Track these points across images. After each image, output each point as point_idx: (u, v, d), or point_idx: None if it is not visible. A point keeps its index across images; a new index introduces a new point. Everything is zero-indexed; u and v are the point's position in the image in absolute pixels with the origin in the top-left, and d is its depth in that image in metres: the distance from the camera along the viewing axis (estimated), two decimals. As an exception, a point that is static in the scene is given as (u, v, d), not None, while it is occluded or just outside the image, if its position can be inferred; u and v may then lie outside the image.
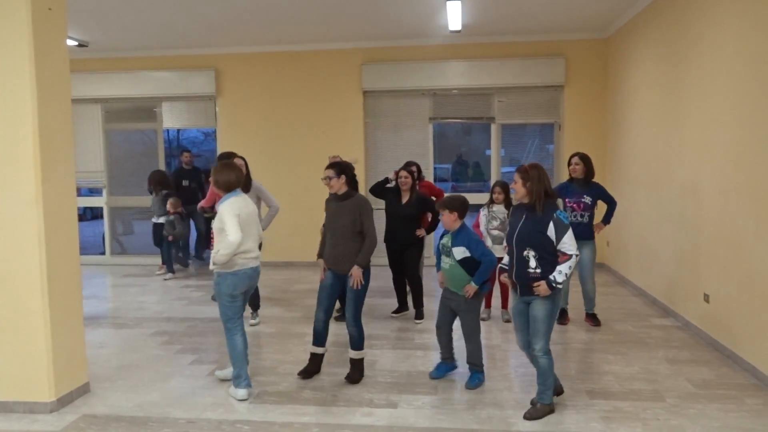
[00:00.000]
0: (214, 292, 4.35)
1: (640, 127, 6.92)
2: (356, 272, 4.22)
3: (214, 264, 3.97)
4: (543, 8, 7.08)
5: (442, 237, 4.32)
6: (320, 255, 4.50)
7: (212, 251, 4.04)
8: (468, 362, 4.30)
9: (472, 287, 4.11)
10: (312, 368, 4.44)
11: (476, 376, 4.25)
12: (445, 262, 4.22)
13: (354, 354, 4.36)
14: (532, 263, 3.60)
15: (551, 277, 3.56)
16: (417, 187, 6.11)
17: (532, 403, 3.79)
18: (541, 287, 3.57)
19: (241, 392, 4.04)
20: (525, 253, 3.61)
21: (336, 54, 8.84)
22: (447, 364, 4.43)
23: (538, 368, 3.73)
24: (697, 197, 5.27)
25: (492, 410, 3.82)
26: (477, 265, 4.12)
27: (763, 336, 4.20)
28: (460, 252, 4.12)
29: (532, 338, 3.70)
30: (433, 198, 6.16)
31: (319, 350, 4.44)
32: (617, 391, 4.08)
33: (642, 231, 6.86)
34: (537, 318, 3.65)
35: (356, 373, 4.34)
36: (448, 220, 4.17)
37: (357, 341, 4.33)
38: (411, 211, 5.84)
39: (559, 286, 3.57)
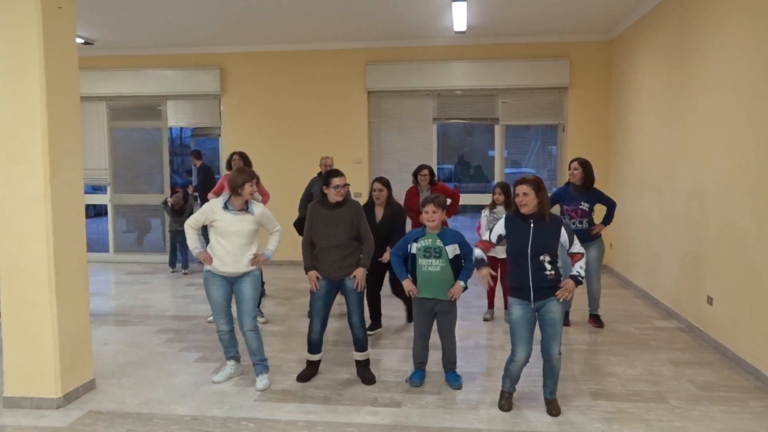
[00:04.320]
0: (256, 288, 4.31)
1: (644, 129, 6.93)
2: (361, 274, 4.22)
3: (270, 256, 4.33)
4: (548, 10, 7.10)
5: (415, 241, 4.11)
6: (311, 267, 4.25)
7: (270, 248, 4.35)
8: (449, 362, 4.28)
9: (460, 287, 4.05)
10: (309, 372, 4.41)
11: (456, 374, 4.28)
12: (434, 265, 4.05)
13: (360, 356, 4.37)
14: (548, 267, 3.64)
15: (575, 273, 3.68)
16: (430, 190, 6.07)
17: (549, 401, 3.81)
18: (569, 284, 3.64)
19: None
20: (541, 258, 3.64)
21: (341, 54, 8.86)
22: (423, 370, 4.35)
23: (553, 368, 3.75)
24: (701, 199, 5.29)
25: (495, 411, 3.83)
26: (459, 264, 4.10)
27: (765, 339, 4.21)
28: (454, 249, 4.06)
29: (551, 343, 3.70)
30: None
31: (315, 357, 4.41)
32: (620, 393, 4.10)
33: (645, 233, 6.87)
34: (556, 320, 3.67)
35: (369, 373, 4.35)
36: (440, 218, 4.07)
37: (363, 343, 4.34)
38: (386, 229, 5.12)
39: (582, 280, 3.70)
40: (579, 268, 3.69)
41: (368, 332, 5.06)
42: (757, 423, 3.63)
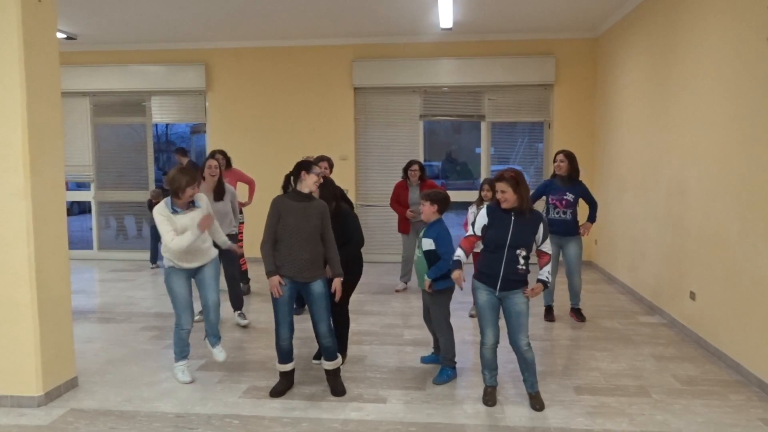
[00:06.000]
0: (217, 269, 4.47)
1: (629, 126, 6.98)
2: (339, 284, 4.00)
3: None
4: (534, 7, 7.12)
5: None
6: (275, 271, 3.90)
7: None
8: (442, 356, 4.33)
9: (427, 280, 4.17)
10: (284, 386, 4.08)
11: (445, 371, 4.29)
12: (417, 254, 4.37)
13: (331, 365, 4.05)
14: (521, 261, 3.70)
15: (544, 278, 3.79)
16: (419, 186, 6.08)
17: (532, 395, 3.85)
18: (539, 287, 3.76)
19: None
20: (518, 252, 3.69)
21: (327, 50, 8.83)
22: (435, 356, 4.52)
23: (526, 361, 3.80)
24: (684, 196, 5.34)
25: (480, 405, 3.85)
26: (435, 259, 4.22)
27: (746, 333, 4.27)
28: (428, 244, 4.21)
29: (517, 335, 3.76)
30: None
31: (288, 367, 4.08)
32: (603, 387, 4.13)
33: (629, 229, 6.93)
34: (522, 312, 3.74)
35: (339, 384, 4.07)
36: (428, 211, 4.29)
37: (333, 352, 4.04)
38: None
39: (549, 285, 3.87)
40: (547, 273, 3.81)
41: (315, 361, 4.67)
42: (737, 416, 3.68)
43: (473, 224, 3.88)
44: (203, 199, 4.29)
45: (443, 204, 4.30)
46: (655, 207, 6.08)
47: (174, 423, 3.64)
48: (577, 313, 5.77)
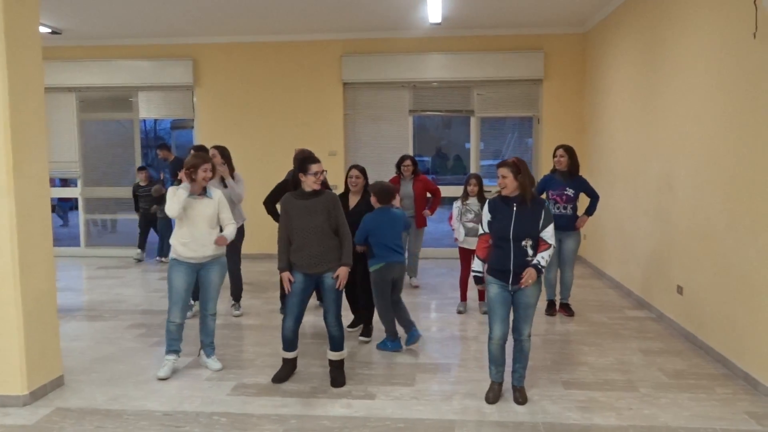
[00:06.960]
0: (222, 276, 4.52)
1: (618, 121, 7.00)
2: (344, 273, 4.03)
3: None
4: (522, 2, 7.11)
5: None
6: (286, 268, 4.06)
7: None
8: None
9: None
10: (285, 373, 4.21)
11: (384, 342, 4.87)
12: None
13: (335, 356, 4.16)
14: (530, 251, 3.66)
15: (536, 261, 3.65)
16: (412, 180, 6.16)
17: (517, 388, 3.85)
18: (532, 273, 3.61)
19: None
20: (524, 243, 3.65)
21: (316, 45, 8.79)
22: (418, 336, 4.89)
23: (522, 351, 3.81)
24: (672, 191, 5.36)
25: (469, 401, 3.85)
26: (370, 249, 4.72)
27: (733, 327, 4.29)
28: None
29: (522, 325, 3.76)
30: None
31: (290, 355, 4.22)
32: (592, 382, 4.15)
33: (618, 224, 6.95)
34: (530, 304, 3.73)
35: (341, 375, 4.16)
36: (372, 200, 4.78)
37: (339, 342, 4.14)
38: (357, 219, 4.77)
39: (543, 270, 3.68)
40: (541, 257, 3.65)
41: (349, 329, 5.20)
42: (723, 409, 3.70)
43: (481, 224, 3.88)
44: (217, 192, 4.39)
45: (381, 195, 4.73)
46: (643, 201, 6.11)
47: (161, 421, 3.61)
48: (565, 308, 5.79)
